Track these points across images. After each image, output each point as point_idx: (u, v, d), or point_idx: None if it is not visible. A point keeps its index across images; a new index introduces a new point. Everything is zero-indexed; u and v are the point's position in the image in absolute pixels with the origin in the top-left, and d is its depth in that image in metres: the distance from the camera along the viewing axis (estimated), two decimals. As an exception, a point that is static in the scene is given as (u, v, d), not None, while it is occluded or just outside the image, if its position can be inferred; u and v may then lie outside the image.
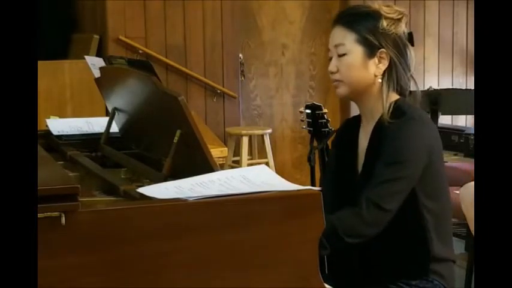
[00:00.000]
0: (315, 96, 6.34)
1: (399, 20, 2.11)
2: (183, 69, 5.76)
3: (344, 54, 2.10)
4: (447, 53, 6.73)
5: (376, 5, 2.12)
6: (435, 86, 5.99)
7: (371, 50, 2.09)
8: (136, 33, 5.63)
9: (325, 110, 2.69)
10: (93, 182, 2.01)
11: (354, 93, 2.14)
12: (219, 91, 5.90)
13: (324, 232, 1.59)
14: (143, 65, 2.03)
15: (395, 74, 2.11)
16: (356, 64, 2.10)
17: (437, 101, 4.23)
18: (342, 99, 2.16)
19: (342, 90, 2.13)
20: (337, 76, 2.13)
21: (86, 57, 2.65)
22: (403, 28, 2.12)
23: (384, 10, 2.11)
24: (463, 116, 6.37)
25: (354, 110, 2.23)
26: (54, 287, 1.39)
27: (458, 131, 4.62)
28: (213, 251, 1.48)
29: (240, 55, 6.09)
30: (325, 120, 2.66)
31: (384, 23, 2.08)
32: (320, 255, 1.59)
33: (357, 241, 1.99)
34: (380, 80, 2.11)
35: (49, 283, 1.38)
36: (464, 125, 6.27)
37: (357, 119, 2.24)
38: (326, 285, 1.60)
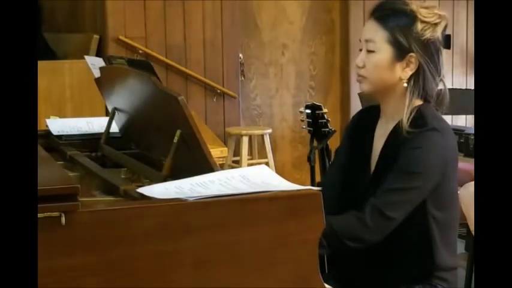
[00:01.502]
0: (315, 96, 6.34)
1: (436, 24, 2.03)
2: (183, 69, 5.76)
3: (373, 51, 2.04)
4: (447, 53, 6.73)
5: (414, 6, 2.03)
6: (435, 86, 5.98)
7: (400, 53, 2.02)
8: (137, 33, 5.63)
9: (325, 110, 2.68)
10: (93, 182, 2.00)
11: (377, 91, 2.10)
12: (219, 91, 5.90)
13: (323, 232, 1.58)
14: (143, 65, 2.03)
15: (422, 80, 2.04)
16: (383, 64, 2.04)
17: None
18: (355, 96, 2.11)
19: (365, 86, 2.08)
20: (362, 71, 2.07)
21: (86, 57, 2.65)
22: (439, 33, 2.04)
23: (421, 13, 2.02)
24: (463, 116, 6.37)
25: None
26: (54, 287, 1.39)
27: (458, 131, 4.62)
28: (213, 251, 1.48)
29: (240, 55, 6.09)
30: (325, 120, 2.65)
31: (419, 26, 2.01)
32: (319, 254, 1.58)
33: (357, 245, 1.96)
34: (405, 85, 2.04)
35: (49, 283, 1.37)
36: (464, 125, 6.27)
37: (377, 110, 2.17)
38: (326, 285, 1.60)
